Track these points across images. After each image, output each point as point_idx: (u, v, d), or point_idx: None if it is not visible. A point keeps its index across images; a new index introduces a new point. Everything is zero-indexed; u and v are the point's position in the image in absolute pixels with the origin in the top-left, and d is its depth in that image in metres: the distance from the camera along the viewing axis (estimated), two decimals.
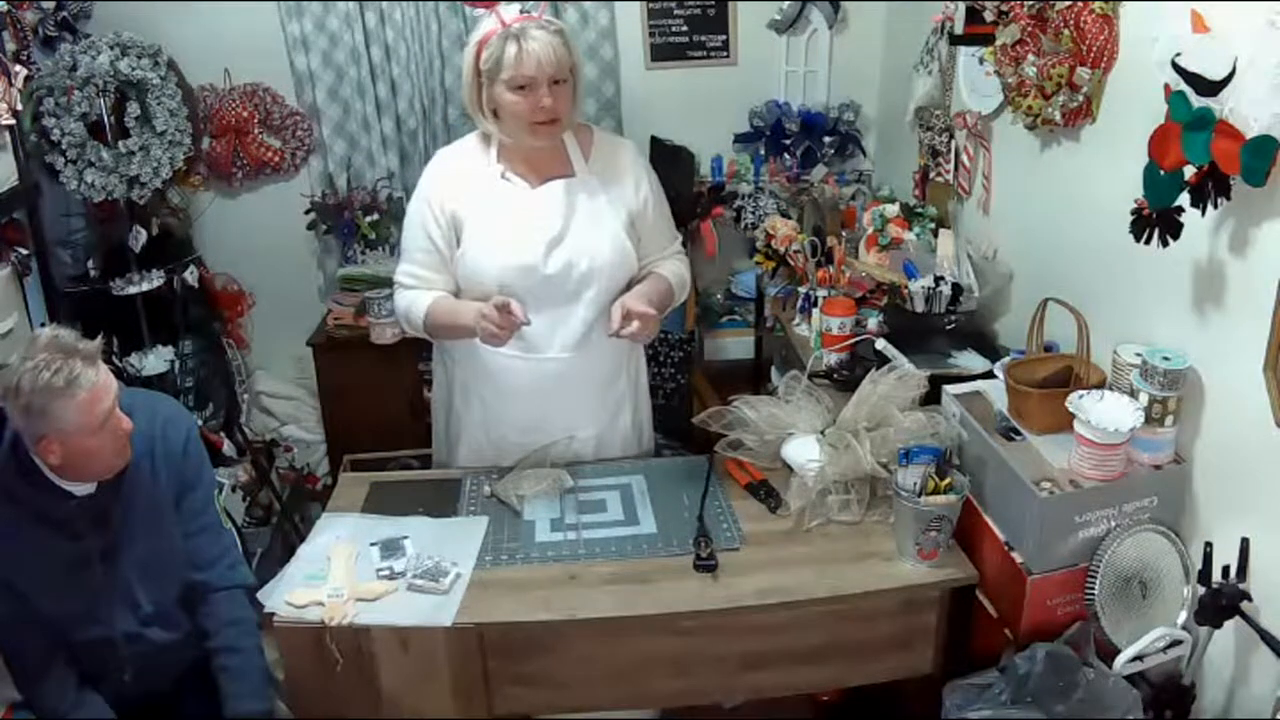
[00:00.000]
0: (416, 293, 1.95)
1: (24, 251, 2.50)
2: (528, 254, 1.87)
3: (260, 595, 1.70)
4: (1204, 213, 1.45)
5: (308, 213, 3.16)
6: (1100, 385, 1.71)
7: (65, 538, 1.67)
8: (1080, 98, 1.88)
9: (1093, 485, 1.60)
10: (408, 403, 2.98)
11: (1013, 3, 2.09)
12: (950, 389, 1.91)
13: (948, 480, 1.70)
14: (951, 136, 2.58)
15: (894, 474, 1.73)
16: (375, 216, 3.13)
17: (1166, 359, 1.57)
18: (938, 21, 2.57)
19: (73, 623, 1.70)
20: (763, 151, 3.29)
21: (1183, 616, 1.61)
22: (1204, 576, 1.50)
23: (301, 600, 1.65)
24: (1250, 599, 1.45)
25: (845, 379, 2.16)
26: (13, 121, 2.44)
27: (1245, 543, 1.47)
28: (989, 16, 2.23)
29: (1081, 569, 1.61)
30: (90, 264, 2.81)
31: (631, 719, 2.08)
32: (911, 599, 1.72)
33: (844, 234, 2.69)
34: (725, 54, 3.25)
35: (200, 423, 2.66)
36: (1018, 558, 1.65)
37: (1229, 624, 1.47)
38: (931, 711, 1.68)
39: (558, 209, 1.89)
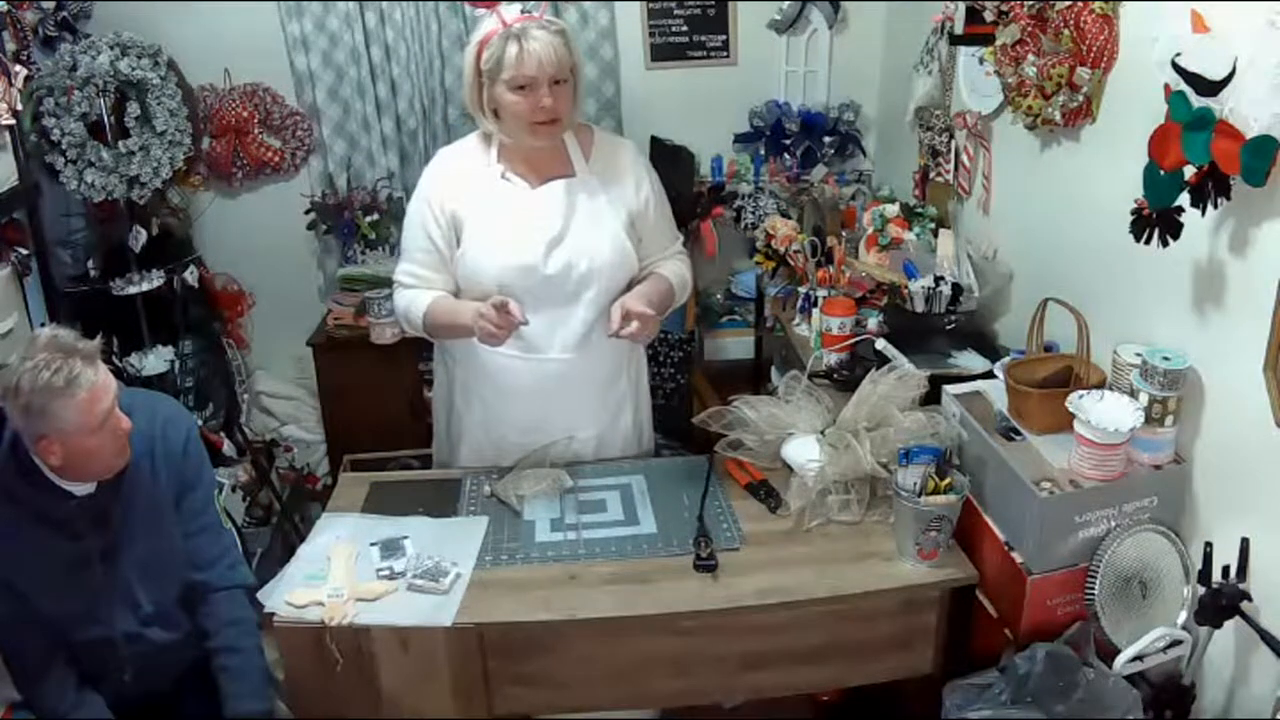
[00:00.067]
0: (416, 292, 1.95)
1: (24, 251, 2.50)
2: (528, 254, 1.87)
3: (260, 595, 1.70)
4: (1204, 213, 1.45)
5: (308, 213, 3.15)
6: (1100, 385, 1.71)
7: (65, 538, 1.67)
8: (1080, 98, 1.88)
9: (1093, 485, 1.60)
10: (408, 403, 2.97)
11: (1013, 3, 2.09)
12: (950, 389, 1.91)
13: (948, 480, 1.70)
14: (951, 136, 2.58)
15: (894, 474, 1.73)
16: (375, 216, 3.12)
17: (1166, 359, 1.57)
18: (938, 21, 2.57)
19: (73, 623, 1.70)
20: (763, 151, 3.29)
21: (1183, 616, 1.61)
22: (1204, 576, 1.50)
23: (301, 600, 1.65)
24: (1250, 599, 1.45)
25: (845, 379, 2.16)
26: (13, 121, 2.44)
27: (1245, 543, 1.47)
28: (989, 16, 2.23)
29: (1081, 569, 1.61)
30: (90, 264, 2.81)
31: (631, 719, 2.08)
32: (911, 599, 1.72)
33: (844, 234, 2.68)
34: (725, 54, 3.25)
35: (200, 423, 2.66)
36: (1018, 558, 1.65)
37: (1229, 624, 1.47)
38: (931, 711, 1.68)
39: (558, 209, 1.89)
